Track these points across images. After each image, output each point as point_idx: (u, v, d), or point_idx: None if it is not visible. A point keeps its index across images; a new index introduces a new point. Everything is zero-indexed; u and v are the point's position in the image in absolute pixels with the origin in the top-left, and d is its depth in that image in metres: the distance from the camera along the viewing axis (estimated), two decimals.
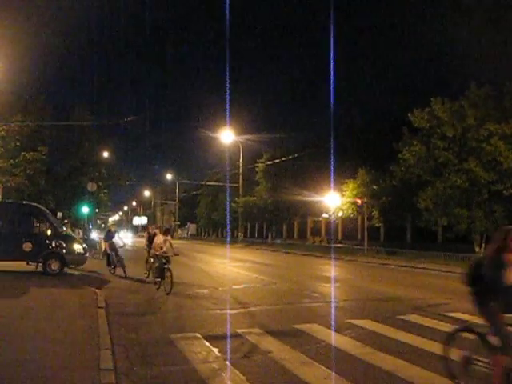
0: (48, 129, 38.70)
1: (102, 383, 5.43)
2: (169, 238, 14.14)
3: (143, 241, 18.72)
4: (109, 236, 18.18)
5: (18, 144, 35.97)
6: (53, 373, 5.75)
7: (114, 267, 17.21)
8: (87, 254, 17.99)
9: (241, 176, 51.60)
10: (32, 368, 5.90)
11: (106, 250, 18.01)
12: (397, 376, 6.12)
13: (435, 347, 7.53)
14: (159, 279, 13.30)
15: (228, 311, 9.93)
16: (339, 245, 40.62)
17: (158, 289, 13.26)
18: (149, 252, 16.25)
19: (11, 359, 6.24)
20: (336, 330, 8.68)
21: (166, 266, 13.03)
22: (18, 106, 35.71)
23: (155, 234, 15.88)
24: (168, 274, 12.87)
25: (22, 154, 35.99)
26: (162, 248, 13.59)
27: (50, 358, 6.39)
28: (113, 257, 17.29)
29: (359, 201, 34.63)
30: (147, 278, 15.55)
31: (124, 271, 16.71)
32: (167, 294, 12.39)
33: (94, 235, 39.54)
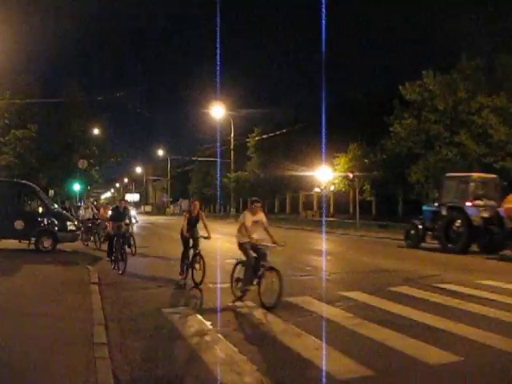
0: (37, 106, 38.37)
1: (95, 357, 5.48)
2: (262, 216, 8.86)
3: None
4: (117, 214, 13.38)
5: (7, 122, 35.74)
6: (47, 347, 5.79)
7: (115, 260, 12.45)
8: (79, 232, 17.99)
9: (232, 151, 50.87)
10: (27, 343, 5.94)
11: (109, 232, 13.71)
12: (387, 346, 6.20)
13: (425, 318, 7.66)
14: (248, 287, 8.54)
15: (220, 285, 9.97)
16: (331, 219, 40.87)
17: (241, 298, 8.62)
18: (186, 241, 10.75)
19: (6, 335, 6.26)
20: (327, 302, 8.75)
21: (263, 264, 8.36)
22: (7, 84, 35.29)
23: (197, 214, 10.76)
24: (269, 275, 8.13)
25: (12, 131, 35.79)
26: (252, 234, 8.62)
27: (45, 333, 6.42)
28: (118, 244, 12.48)
29: (350, 174, 34.65)
30: (184, 279, 10.68)
31: (124, 266, 11.96)
32: (268, 309, 7.96)
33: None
